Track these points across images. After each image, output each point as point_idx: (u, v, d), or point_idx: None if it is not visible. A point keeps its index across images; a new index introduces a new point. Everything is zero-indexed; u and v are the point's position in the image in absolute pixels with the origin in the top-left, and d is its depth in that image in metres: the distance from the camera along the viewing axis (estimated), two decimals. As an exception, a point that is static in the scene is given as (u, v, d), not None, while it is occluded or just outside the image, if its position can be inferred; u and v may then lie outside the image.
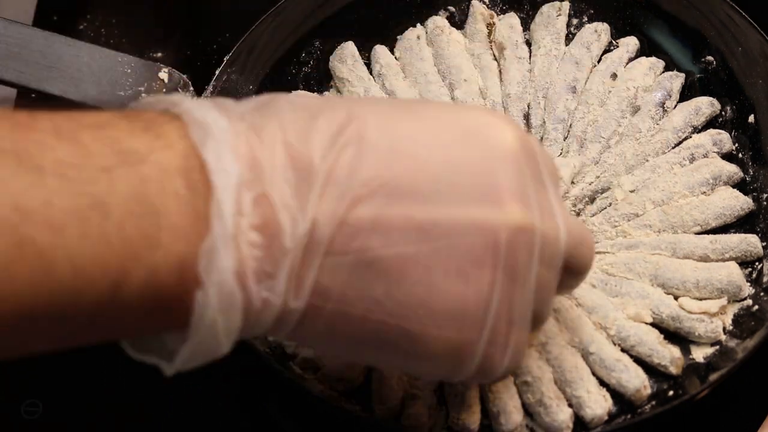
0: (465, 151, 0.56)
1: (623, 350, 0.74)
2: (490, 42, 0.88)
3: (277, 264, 0.52)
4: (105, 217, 0.49)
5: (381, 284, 0.54)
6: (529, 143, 0.59)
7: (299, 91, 0.86)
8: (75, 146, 0.50)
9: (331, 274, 0.54)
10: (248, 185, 0.52)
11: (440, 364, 0.58)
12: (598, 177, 0.82)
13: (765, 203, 0.80)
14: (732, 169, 0.81)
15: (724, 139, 0.82)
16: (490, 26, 0.88)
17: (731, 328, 0.75)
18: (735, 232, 0.79)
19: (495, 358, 0.58)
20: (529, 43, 0.88)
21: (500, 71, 0.87)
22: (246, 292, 0.52)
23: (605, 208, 0.81)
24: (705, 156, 0.81)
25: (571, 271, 0.62)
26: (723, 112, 0.84)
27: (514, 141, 0.57)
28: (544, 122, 0.84)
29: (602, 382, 0.73)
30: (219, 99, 0.56)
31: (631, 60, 0.87)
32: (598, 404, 0.71)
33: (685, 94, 0.85)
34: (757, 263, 0.78)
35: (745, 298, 0.76)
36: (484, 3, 0.90)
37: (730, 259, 0.77)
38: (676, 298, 0.76)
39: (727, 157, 0.82)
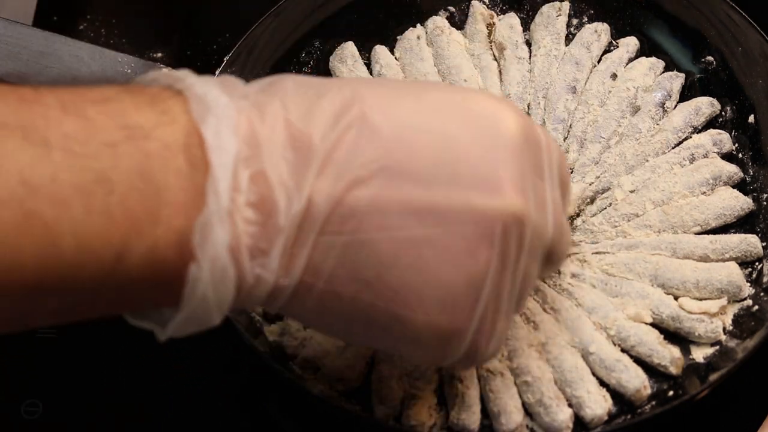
0: (467, 138, 0.56)
1: (623, 350, 0.74)
2: (490, 42, 0.88)
3: (271, 241, 0.53)
4: (109, 193, 0.50)
5: (372, 266, 0.55)
6: (533, 132, 0.58)
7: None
8: (81, 120, 0.50)
9: (324, 253, 0.54)
10: (246, 162, 0.52)
11: (428, 349, 0.58)
12: (598, 177, 0.82)
13: (765, 203, 0.80)
14: (732, 170, 0.81)
15: (724, 139, 0.82)
16: (490, 26, 0.88)
17: (731, 328, 0.75)
18: (735, 233, 0.79)
19: (480, 345, 0.58)
20: (529, 44, 0.88)
21: (500, 71, 0.87)
22: (239, 268, 0.53)
23: (605, 208, 0.80)
24: (705, 156, 0.81)
25: (548, 261, 0.62)
26: (723, 112, 0.84)
27: (517, 130, 0.57)
28: (544, 122, 0.84)
29: (602, 382, 0.73)
30: (225, 77, 0.56)
31: (631, 60, 0.87)
32: (598, 404, 0.71)
33: (685, 94, 0.85)
34: (757, 263, 0.78)
35: (745, 299, 0.76)
36: (484, 3, 0.90)
37: (730, 259, 0.77)
38: (676, 298, 0.76)
39: (727, 157, 0.82)
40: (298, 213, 0.53)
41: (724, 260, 0.77)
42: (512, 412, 0.71)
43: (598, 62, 0.87)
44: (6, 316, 0.51)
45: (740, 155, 0.82)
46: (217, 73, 0.82)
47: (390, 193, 0.54)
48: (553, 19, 0.88)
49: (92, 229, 0.49)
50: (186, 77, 0.54)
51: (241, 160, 0.52)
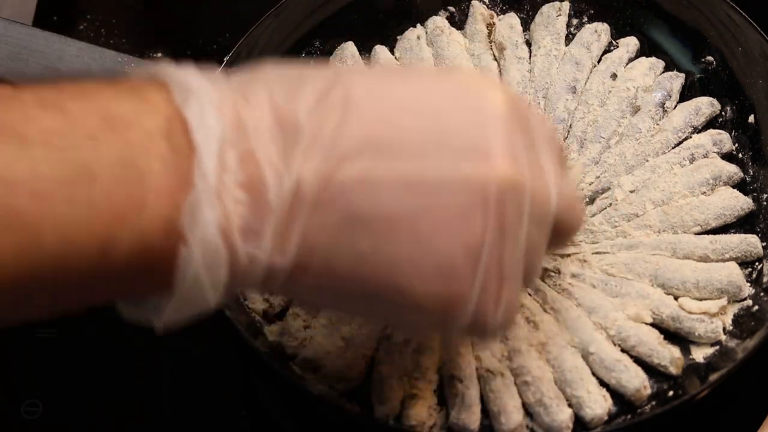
0: (454, 110, 0.56)
1: (623, 350, 0.74)
2: (490, 42, 0.88)
3: (263, 221, 0.53)
4: (91, 184, 0.49)
5: (367, 240, 0.55)
6: (521, 107, 0.59)
7: None
8: (60, 114, 0.50)
9: (317, 230, 0.54)
10: (232, 143, 0.52)
11: (430, 317, 0.58)
12: (598, 177, 0.82)
13: (765, 203, 0.80)
14: (732, 170, 0.81)
15: (724, 139, 0.82)
16: (490, 26, 0.88)
17: (731, 328, 0.75)
18: (735, 233, 0.79)
19: (488, 313, 0.58)
20: (529, 43, 0.88)
21: (500, 71, 0.87)
22: (230, 248, 0.53)
23: (605, 208, 0.80)
24: (705, 156, 0.81)
25: (560, 233, 0.62)
26: (723, 112, 0.84)
27: (504, 102, 0.57)
28: (544, 122, 0.84)
29: (602, 383, 0.73)
30: (205, 68, 0.57)
31: (631, 60, 0.87)
32: (598, 404, 0.71)
33: (685, 94, 0.85)
34: (757, 263, 0.78)
35: (745, 299, 0.76)
36: (484, 3, 0.90)
37: (730, 259, 0.77)
38: (676, 298, 0.76)
39: (727, 157, 0.82)
40: (289, 191, 0.53)
41: (724, 260, 0.77)
42: (512, 412, 0.71)
43: (598, 62, 0.87)
44: None
45: (740, 155, 0.82)
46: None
47: (379, 168, 0.54)
48: (553, 19, 0.88)
49: (75, 221, 0.49)
50: (166, 68, 0.55)
51: (228, 141, 0.52)
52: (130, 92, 0.53)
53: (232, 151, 0.52)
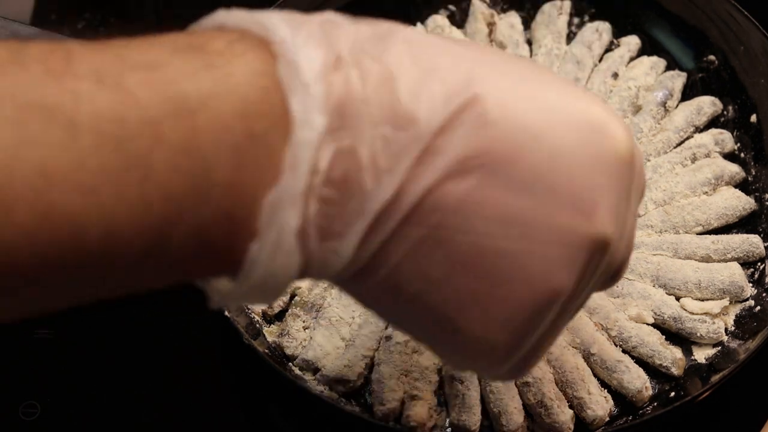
0: (575, 152, 0.50)
1: (624, 351, 0.74)
2: (491, 41, 0.88)
3: (349, 225, 0.47)
4: (145, 177, 0.44)
5: (442, 267, 0.49)
6: (636, 155, 0.53)
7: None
8: (117, 95, 0.44)
9: (397, 241, 0.48)
10: (335, 135, 0.46)
11: (475, 362, 0.54)
12: (599, 177, 0.81)
13: (767, 203, 0.80)
14: (734, 169, 0.80)
15: (726, 138, 0.82)
16: (491, 25, 0.88)
17: (733, 329, 0.75)
18: (737, 233, 0.79)
19: (523, 365, 0.54)
20: (530, 43, 0.88)
21: (501, 70, 0.87)
22: (306, 250, 0.47)
23: (606, 208, 0.80)
24: (707, 156, 0.81)
25: (610, 279, 0.57)
26: (725, 112, 0.84)
27: (625, 152, 0.52)
28: (545, 122, 0.84)
29: (603, 383, 0.73)
30: (326, 17, 0.50)
31: (632, 59, 0.87)
32: (599, 405, 0.71)
33: (687, 94, 0.85)
34: (759, 264, 0.77)
35: (747, 299, 0.76)
36: (485, 2, 0.90)
37: (732, 259, 0.77)
38: (677, 298, 0.76)
39: (729, 156, 0.82)
40: (386, 197, 0.47)
41: (726, 260, 0.77)
42: (513, 413, 0.71)
43: (600, 61, 0.87)
44: (31, 298, 0.46)
45: (742, 155, 0.82)
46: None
47: (481, 195, 0.48)
48: (554, 17, 0.88)
49: (124, 218, 0.44)
50: (274, 27, 0.47)
51: (331, 130, 0.46)
52: (206, 63, 0.45)
53: (332, 144, 0.46)
